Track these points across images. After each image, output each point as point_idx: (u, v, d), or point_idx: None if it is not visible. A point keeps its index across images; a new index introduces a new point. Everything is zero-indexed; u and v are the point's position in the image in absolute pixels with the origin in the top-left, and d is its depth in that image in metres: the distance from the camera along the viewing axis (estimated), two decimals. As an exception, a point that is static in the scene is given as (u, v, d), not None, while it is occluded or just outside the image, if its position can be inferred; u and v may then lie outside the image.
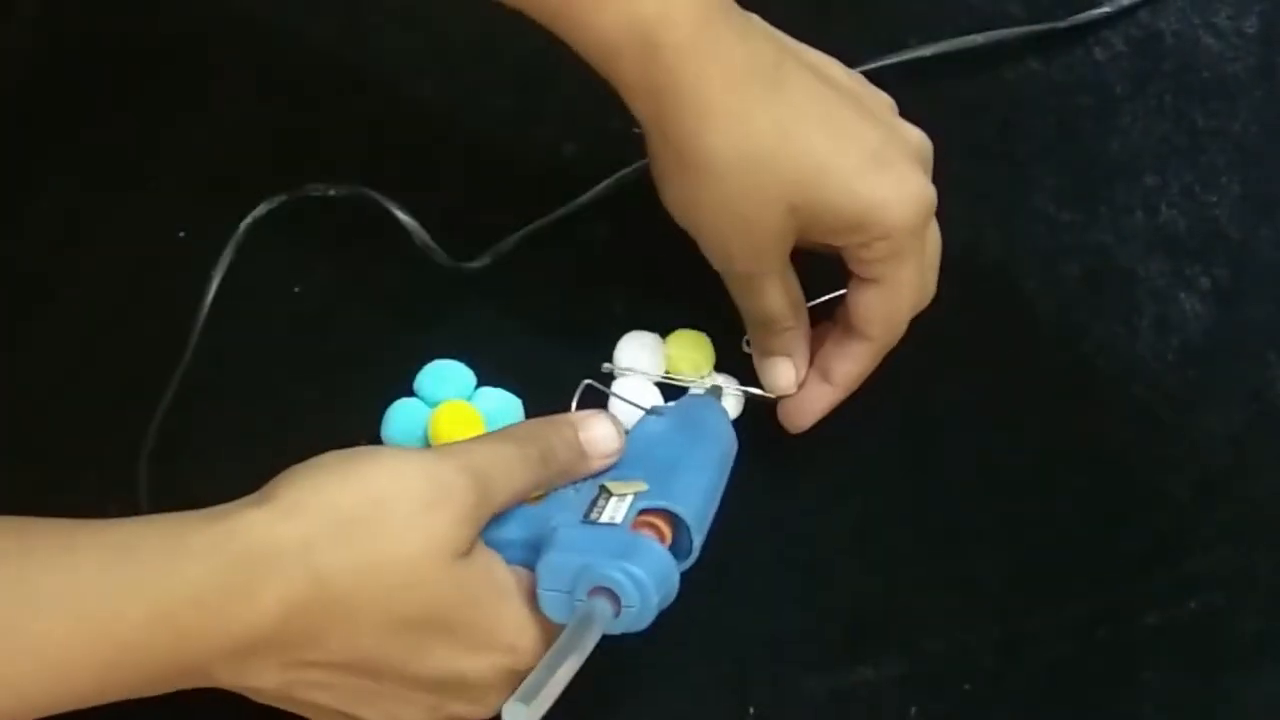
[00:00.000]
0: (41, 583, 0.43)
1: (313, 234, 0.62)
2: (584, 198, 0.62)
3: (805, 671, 0.58)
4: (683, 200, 0.53)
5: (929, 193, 0.53)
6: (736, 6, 0.52)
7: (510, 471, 0.50)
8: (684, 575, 0.50)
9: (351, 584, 0.46)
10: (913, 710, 0.57)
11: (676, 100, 0.50)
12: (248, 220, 0.61)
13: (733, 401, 0.60)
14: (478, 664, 0.49)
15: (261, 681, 0.46)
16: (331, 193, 0.62)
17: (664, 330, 0.61)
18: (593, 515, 0.51)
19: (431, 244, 0.60)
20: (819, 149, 0.51)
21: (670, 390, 0.61)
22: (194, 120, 0.64)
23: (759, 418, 0.59)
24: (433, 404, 0.59)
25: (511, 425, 0.53)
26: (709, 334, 0.61)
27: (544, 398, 0.59)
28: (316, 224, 0.62)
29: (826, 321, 0.58)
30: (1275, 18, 0.68)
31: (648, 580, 0.47)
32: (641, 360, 0.60)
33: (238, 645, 0.45)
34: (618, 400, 0.59)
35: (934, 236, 0.56)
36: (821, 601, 0.59)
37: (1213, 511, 0.61)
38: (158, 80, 0.64)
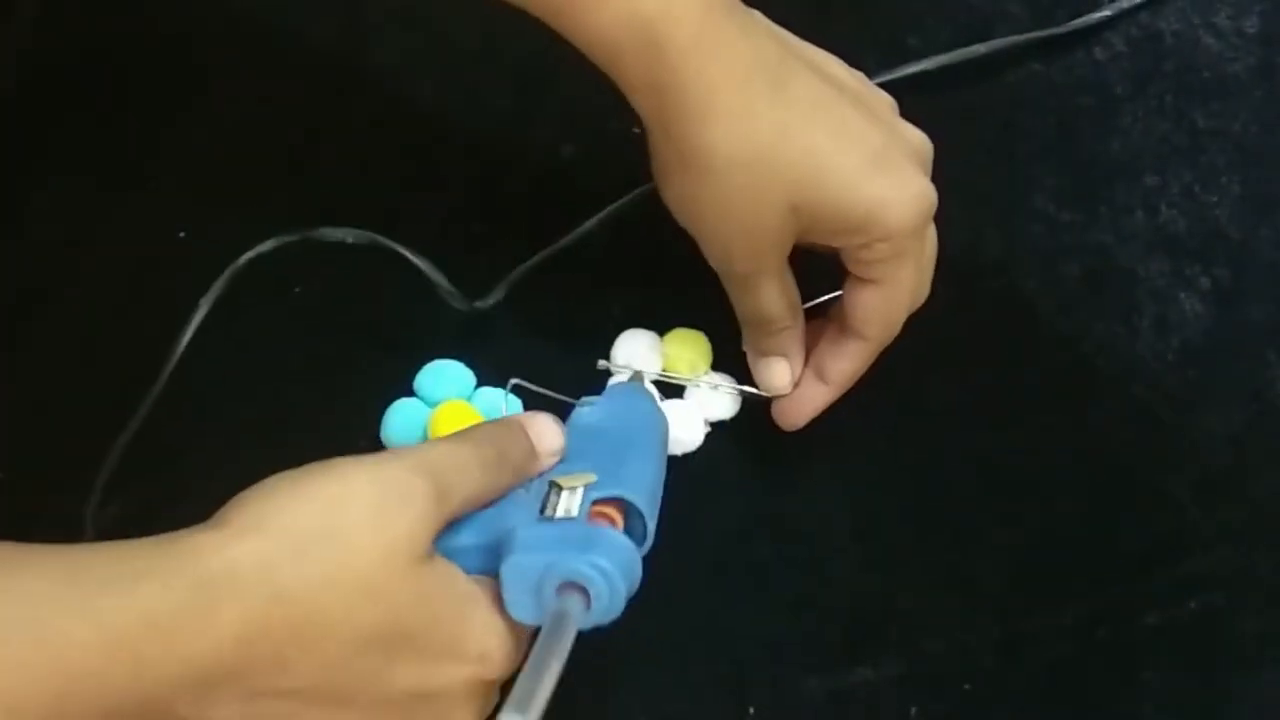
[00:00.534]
0: None
1: (318, 273, 0.62)
2: (590, 223, 0.62)
3: (804, 672, 0.58)
4: (683, 199, 0.53)
5: (930, 194, 0.53)
6: (739, 3, 0.52)
7: (466, 472, 0.49)
8: (645, 560, 0.50)
9: (312, 602, 0.44)
10: (913, 710, 0.57)
11: (679, 98, 0.50)
12: (249, 254, 0.61)
13: (729, 401, 0.60)
14: (447, 675, 0.47)
15: (224, 714, 0.44)
16: (350, 239, 0.61)
17: (663, 330, 0.61)
18: (547, 512, 0.50)
19: (448, 286, 0.60)
20: (821, 149, 0.51)
21: (668, 389, 0.61)
22: (194, 120, 0.64)
23: (757, 417, 0.59)
24: (432, 404, 0.59)
25: (466, 428, 0.52)
26: (708, 334, 0.61)
27: (543, 398, 0.59)
28: (321, 263, 0.62)
29: (821, 319, 0.58)
30: (1275, 18, 0.68)
31: (614, 570, 0.47)
32: (638, 358, 0.60)
33: (198, 673, 0.43)
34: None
35: (931, 236, 0.56)
36: (821, 602, 0.59)
37: (1213, 511, 0.61)
38: (158, 80, 0.64)
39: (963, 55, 0.65)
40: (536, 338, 0.62)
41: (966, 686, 0.58)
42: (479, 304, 0.61)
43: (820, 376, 0.57)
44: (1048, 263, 0.64)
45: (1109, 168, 0.65)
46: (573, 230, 0.62)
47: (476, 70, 0.65)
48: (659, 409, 0.57)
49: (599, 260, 0.62)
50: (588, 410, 0.56)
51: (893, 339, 0.56)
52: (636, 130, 0.53)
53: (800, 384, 0.58)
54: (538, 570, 0.47)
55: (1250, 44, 0.67)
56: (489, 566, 0.48)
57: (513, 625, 0.48)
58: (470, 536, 0.49)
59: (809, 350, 0.58)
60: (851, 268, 0.55)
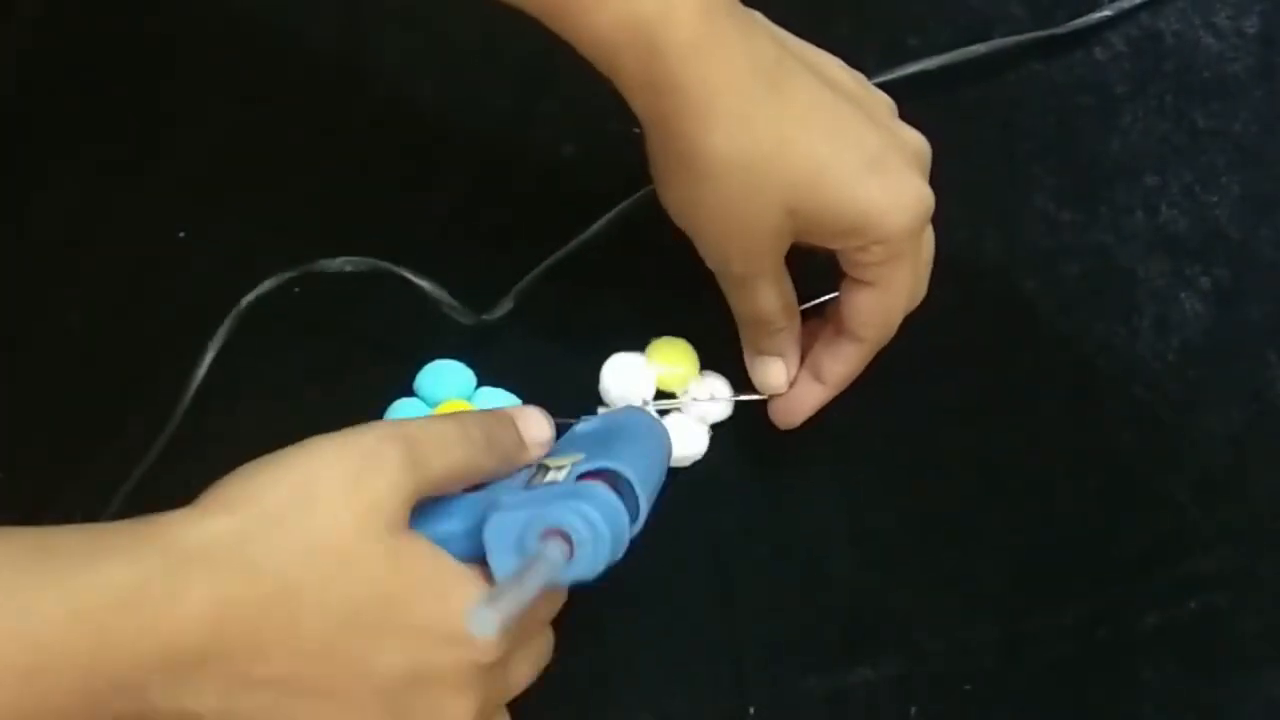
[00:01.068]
0: None
1: (321, 295, 0.62)
2: (595, 226, 0.62)
3: (804, 672, 0.58)
4: (681, 200, 0.53)
5: (927, 197, 0.53)
6: (738, 3, 0.52)
7: (445, 443, 0.48)
8: (633, 542, 0.49)
9: (287, 576, 0.43)
10: (912, 710, 0.57)
11: (677, 100, 0.50)
12: (250, 297, 0.60)
13: (723, 405, 0.60)
14: (437, 658, 0.46)
15: (201, 703, 0.43)
16: (349, 269, 0.61)
17: (655, 331, 0.61)
18: (533, 484, 0.49)
19: (452, 302, 0.60)
20: (818, 152, 0.51)
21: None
22: (194, 120, 0.63)
23: (756, 419, 0.59)
24: (432, 404, 0.59)
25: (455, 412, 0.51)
26: (702, 334, 0.61)
27: (544, 399, 0.59)
28: (324, 285, 0.62)
29: (818, 320, 0.58)
30: (1275, 18, 0.67)
31: (598, 517, 0.46)
32: (629, 385, 0.60)
33: (169, 653, 0.42)
34: None
35: (928, 239, 0.56)
36: (820, 601, 0.59)
37: (1213, 511, 0.61)
38: (158, 80, 0.64)
39: (963, 55, 0.65)
40: (542, 344, 0.61)
41: (967, 687, 0.58)
42: (486, 317, 0.60)
43: (817, 376, 0.57)
44: (1048, 263, 0.64)
45: (1109, 168, 0.65)
46: (576, 233, 0.62)
47: (476, 70, 0.65)
48: (660, 425, 0.57)
49: (602, 263, 0.62)
50: (584, 423, 0.56)
51: (888, 340, 0.56)
52: (636, 130, 0.53)
53: (797, 383, 0.58)
54: (520, 523, 0.46)
55: (1250, 44, 0.67)
56: (478, 553, 0.47)
57: None
58: (457, 522, 0.48)
59: (806, 350, 0.58)
60: (848, 270, 0.54)
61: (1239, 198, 0.65)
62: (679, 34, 0.49)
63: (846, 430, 0.60)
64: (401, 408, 0.59)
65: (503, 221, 0.63)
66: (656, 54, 0.49)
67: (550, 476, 0.49)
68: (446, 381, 0.59)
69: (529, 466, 0.51)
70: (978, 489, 0.61)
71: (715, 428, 0.60)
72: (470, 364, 0.60)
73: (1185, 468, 0.61)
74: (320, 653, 0.44)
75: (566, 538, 0.46)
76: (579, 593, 0.58)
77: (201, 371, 0.59)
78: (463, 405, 0.59)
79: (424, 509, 0.48)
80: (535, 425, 0.53)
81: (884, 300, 0.55)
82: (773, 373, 0.58)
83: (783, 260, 0.55)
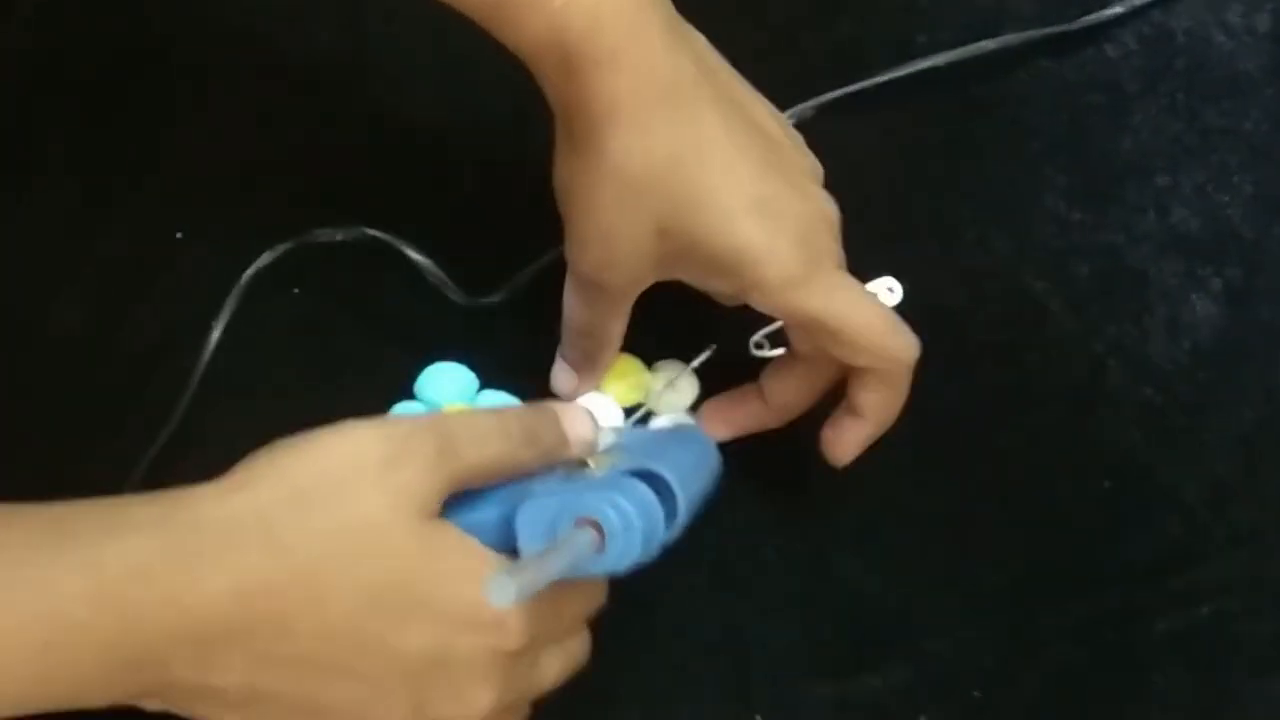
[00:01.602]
0: None
1: (316, 273, 0.62)
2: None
3: (811, 679, 0.57)
4: (564, 185, 0.53)
5: (807, 251, 0.52)
6: (679, 23, 0.52)
7: (480, 434, 0.48)
8: (669, 546, 0.49)
9: (314, 553, 0.43)
10: (921, 718, 0.57)
11: (584, 104, 0.51)
12: (250, 271, 0.60)
13: (689, 386, 0.60)
14: (461, 643, 0.46)
15: (224, 679, 0.43)
16: (339, 238, 0.61)
17: (653, 328, 0.60)
18: (572, 477, 0.50)
19: (447, 281, 0.60)
20: (706, 183, 0.51)
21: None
22: (193, 120, 0.63)
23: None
24: (432, 407, 0.58)
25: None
26: (700, 329, 0.60)
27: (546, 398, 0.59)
28: (319, 262, 0.61)
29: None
30: (1287, 15, 0.67)
31: (632, 510, 0.45)
32: (600, 418, 0.59)
33: (193, 627, 0.42)
34: None
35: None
36: (827, 607, 0.58)
37: (1225, 515, 0.60)
38: (158, 80, 0.64)
39: (972, 52, 0.65)
40: (540, 336, 0.61)
41: (975, 693, 0.57)
42: (482, 300, 0.60)
43: (854, 411, 0.55)
44: (1058, 262, 0.63)
45: (1120, 166, 0.65)
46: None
47: (476, 70, 0.65)
48: (711, 442, 0.57)
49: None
50: (630, 432, 0.56)
51: (904, 352, 0.54)
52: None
53: (838, 421, 0.56)
54: (552, 510, 0.46)
55: (1262, 42, 0.67)
56: (510, 543, 0.47)
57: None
58: (491, 510, 0.48)
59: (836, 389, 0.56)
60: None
61: (1251, 197, 0.65)
62: (598, 48, 0.49)
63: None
64: (401, 410, 0.58)
65: (504, 221, 0.62)
66: (572, 67, 0.50)
67: (588, 473, 0.50)
68: (448, 384, 0.59)
69: (569, 464, 0.52)
70: (987, 492, 0.60)
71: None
72: (471, 366, 0.60)
73: (1196, 470, 0.61)
74: (345, 632, 0.44)
75: (598, 527, 0.46)
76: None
77: (200, 370, 0.59)
78: (466, 409, 0.59)
79: (459, 498, 0.48)
80: (579, 423, 0.52)
81: (836, 327, 0.52)
82: (561, 379, 0.59)
83: (635, 289, 0.55)
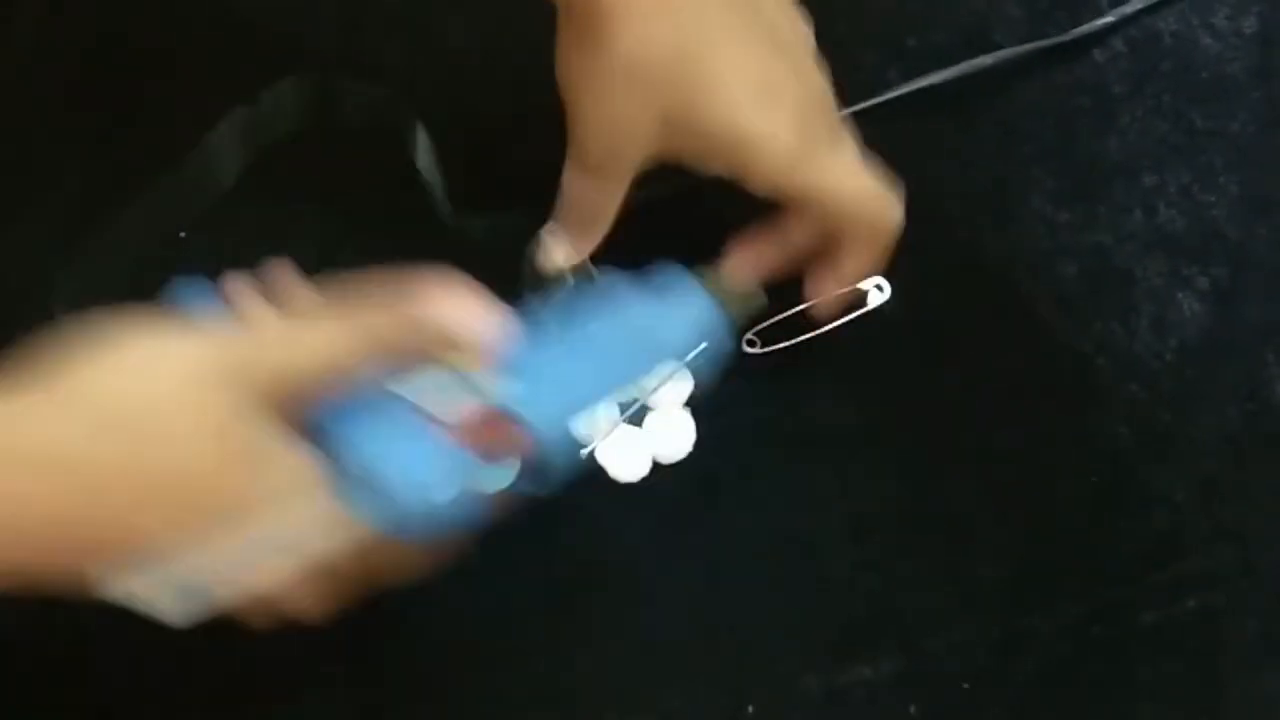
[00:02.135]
0: None
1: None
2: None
3: (803, 671, 0.58)
4: (568, 77, 0.53)
5: (806, 134, 0.53)
6: None
7: (305, 342, 0.46)
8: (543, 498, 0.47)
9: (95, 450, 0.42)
10: (911, 709, 0.57)
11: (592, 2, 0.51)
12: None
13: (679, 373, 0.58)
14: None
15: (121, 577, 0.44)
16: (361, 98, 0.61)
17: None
18: (423, 403, 0.45)
19: (442, 192, 0.60)
20: (710, 71, 0.52)
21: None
22: (194, 120, 0.63)
23: (755, 416, 0.59)
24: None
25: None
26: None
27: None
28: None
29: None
30: (1273, 18, 0.68)
31: (395, 477, 0.42)
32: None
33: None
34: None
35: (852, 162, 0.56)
36: (819, 600, 0.59)
37: (1211, 511, 0.61)
38: (158, 80, 0.64)
39: (961, 57, 0.65)
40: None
41: (966, 685, 0.58)
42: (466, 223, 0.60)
43: (835, 268, 0.58)
44: (1046, 263, 0.64)
45: (1107, 168, 0.65)
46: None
47: (477, 71, 0.65)
48: (707, 322, 0.54)
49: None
50: (611, 285, 0.53)
51: (891, 219, 0.56)
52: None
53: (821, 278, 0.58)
54: (343, 447, 0.44)
55: (1249, 44, 0.67)
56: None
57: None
58: (336, 417, 0.45)
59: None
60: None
61: (1237, 198, 0.65)
62: None
63: (844, 428, 0.60)
64: None
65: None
66: None
67: (445, 394, 0.45)
68: None
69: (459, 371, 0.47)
70: (976, 488, 0.61)
71: (715, 425, 0.60)
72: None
73: (1183, 467, 0.61)
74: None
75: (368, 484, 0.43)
76: (576, 588, 0.58)
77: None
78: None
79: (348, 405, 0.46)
80: (458, 313, 0.48)
81: (828, 201, 0.55)
82: (555, 250, 0.57)
83: (634, 171, 0.55)
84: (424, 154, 0.60)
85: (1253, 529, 0.60)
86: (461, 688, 0.57)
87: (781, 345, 0.59)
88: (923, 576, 0.59)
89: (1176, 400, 0.62)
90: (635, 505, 0.59)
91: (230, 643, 0.57)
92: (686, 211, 0.58)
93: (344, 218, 0.62)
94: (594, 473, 0.58)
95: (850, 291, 0.58)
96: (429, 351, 0.47)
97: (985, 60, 0.65)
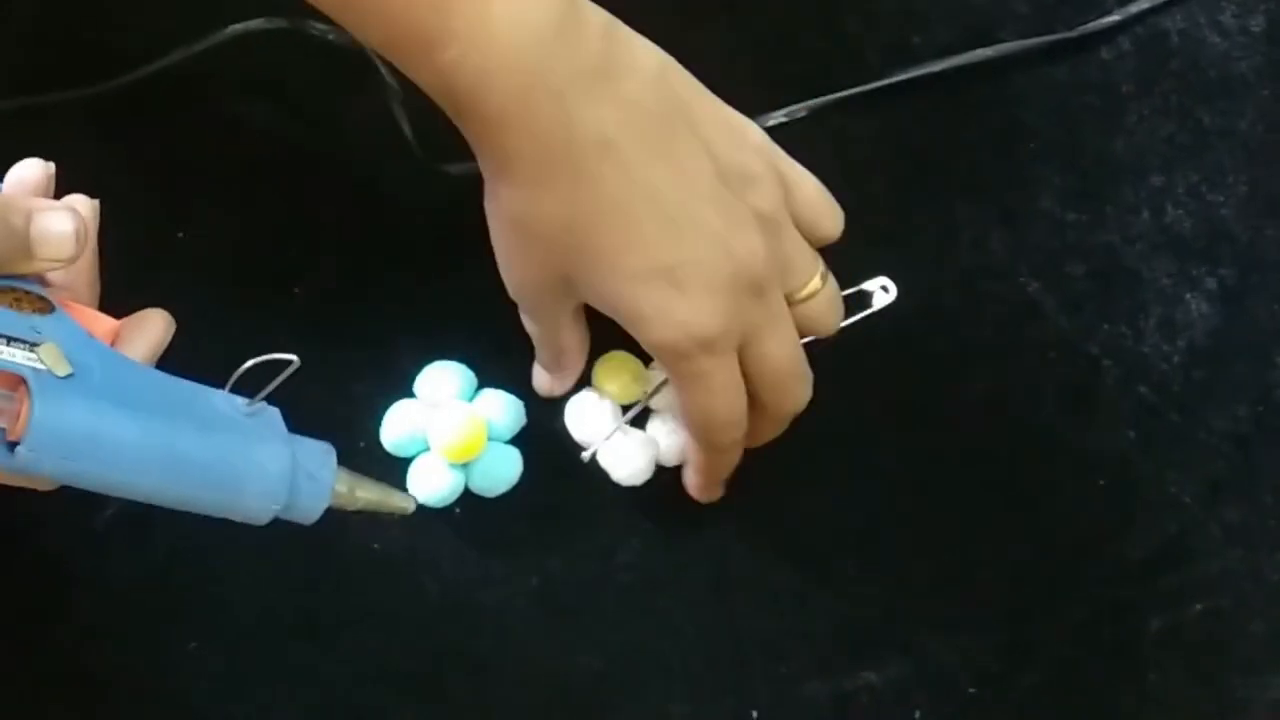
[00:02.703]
0: None
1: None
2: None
3: (808, 675, 0.57)
4: (487, 211, 0.53)
5: (701, 328, 0.50)
6: (590, 75, 0.49)
7: None
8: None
9: None
10: (916, 714, 0.57)
11: (480, 153, 0.51)
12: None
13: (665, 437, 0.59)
14: None
15: None
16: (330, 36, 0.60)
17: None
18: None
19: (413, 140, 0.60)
20: (601, 247, 0.50)
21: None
22: (193, 120, 0.63)
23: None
24: (432, 404, 0.58)
25: None
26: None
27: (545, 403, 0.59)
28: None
29: None
30: (1281, 16, 0.67)
31: None
32: (595, 427, 0.59)
33: None
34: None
35: (764, 354, 0.53)
36: (823, 604, 0.59)
37: (1219, 513, 0.60)
38: (158, 80, 0.64)
39: (968, 58, 0.65)
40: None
41: (971, 689, 0.58)
42: (448, 168, 0.60)
43: (690, 460, 0.57)
44: (1053, 263, 0.64)
45: (1114, 167, 0.65)
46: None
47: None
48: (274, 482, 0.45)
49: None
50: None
51: (719, 442, 0.55)
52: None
53: (687, 469, 0.58)
54: None
55: (1256, 43, 0.67)
56: None
57: None
58: None
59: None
60: None
61: (1245, 197, 0.65)
62: (485, 108, 0.49)
63: (848, 430, 0.60)
64: (400, 409, 0.58)
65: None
66: (463, 119, 0.50)
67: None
68: (446, 382, 0.59)
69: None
70: (981, 490, 0.61)
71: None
72: (472, 367, 0.59)
73: (1191, 469, 0.61)
74: None
75: None
76: (577, 590, 0.58)
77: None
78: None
79: None
80: (57, 236, 0.44)
81: (684, 401, 0.54)
82: (540, 379, 0.59)
83: (561, 312, 0.55)
84: (394, 99, 0.60)
85: (1260, 532, 0.60)
86: (462, 687, 0.57)
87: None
88: (927, 580, 0.59)
89: (1184, 402, 0.62)
90: (638, 507, 0.59)
91: (228, 634, 0.57)
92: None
93: (316, 166, 0.62)
94: (596, 475, 0.58)
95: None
96: (18, 264, 0.44)
97: (986, 52, 0.65)
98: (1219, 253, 0.64)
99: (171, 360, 0.59)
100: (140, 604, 0.57)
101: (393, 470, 0.57)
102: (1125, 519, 0.60)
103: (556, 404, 0.59)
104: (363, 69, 0.59)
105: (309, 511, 0.46)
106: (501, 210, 0.51)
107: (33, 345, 0.42)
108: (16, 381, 0.41)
